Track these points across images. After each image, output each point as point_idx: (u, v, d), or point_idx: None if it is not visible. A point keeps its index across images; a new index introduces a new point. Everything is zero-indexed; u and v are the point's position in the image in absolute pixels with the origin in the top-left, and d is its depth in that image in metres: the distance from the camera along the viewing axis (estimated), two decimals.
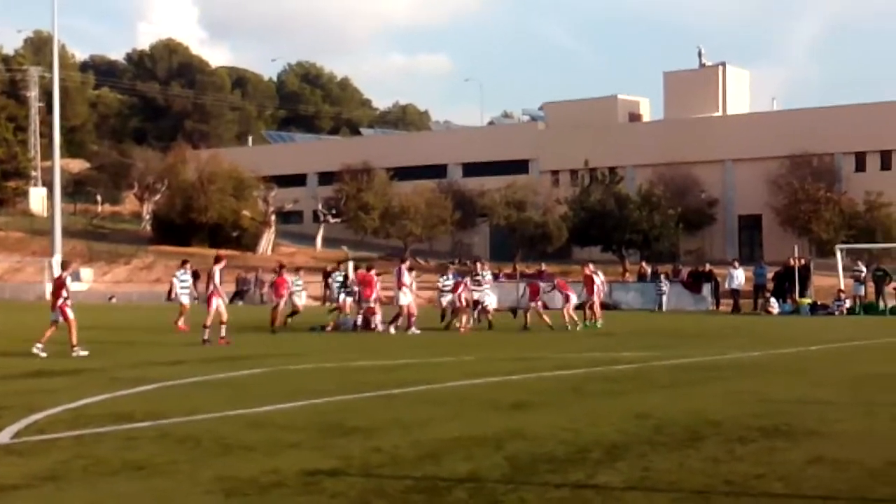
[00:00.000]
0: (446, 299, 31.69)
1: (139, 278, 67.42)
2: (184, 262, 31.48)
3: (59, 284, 21.92)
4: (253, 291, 55.36)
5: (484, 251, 67.22)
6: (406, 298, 30.02)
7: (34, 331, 30.56)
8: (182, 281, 30.86)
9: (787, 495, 8.16)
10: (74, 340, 21.11)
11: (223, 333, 24.33)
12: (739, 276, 46.22)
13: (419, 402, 13.83)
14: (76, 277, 65.07)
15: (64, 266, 22.73)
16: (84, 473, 8.94)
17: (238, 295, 54.22)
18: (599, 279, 33.98)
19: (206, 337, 24.20)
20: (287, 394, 14.36)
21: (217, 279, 25.14)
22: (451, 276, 32.05)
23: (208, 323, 24.45)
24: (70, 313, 21.35)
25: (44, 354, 20.63)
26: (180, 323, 29.61)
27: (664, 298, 46.76)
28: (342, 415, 12.27)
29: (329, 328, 30.90)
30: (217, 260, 26.02)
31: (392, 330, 29.49)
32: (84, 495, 8.16)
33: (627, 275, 55.51)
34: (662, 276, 48.00)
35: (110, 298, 56.38)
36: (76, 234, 76.07)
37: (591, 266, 34.58)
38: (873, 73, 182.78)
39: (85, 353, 20.77)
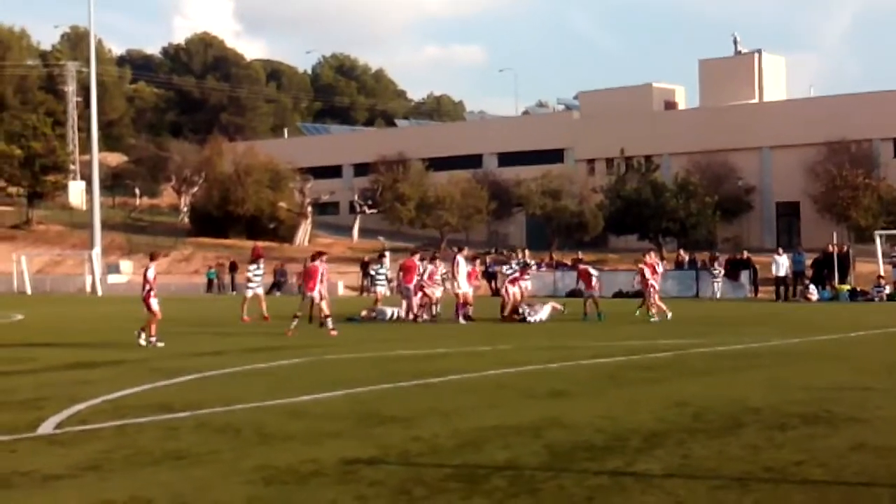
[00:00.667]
0: (514, 289, 31.05)
1: (178, 270, 67.96)
2: (257, 257, 32.24)
3: (145, 276, 22.15)
4: (293, 283, 55.63)
5: (520, 240, 67.17)
6: (464, 288, 29.97)
7: (74, 322, 30.99)
8: (256, 275, 31.64)
9: (827, 482, 8.09)
10: (153, 331, 21.37)
11: (293, 325, 24.65)
12: (785, 264, 45.58)
13: (457, 390, 13.84)
14: (115, 270, 65.86)
15: (152, 257, 22.93)
16: (126, 463, 9.02)
17: (276, 286, 54.73)
18: (661, 268, 33.90)
19: (330, 327, 24.57)
20: (325, 383, 14.41)
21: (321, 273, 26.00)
22: (513, 265, 31.80)
23: (328, 312, 24.98)
24: (154, 305, 21.50)
25: (161, 344, 21.09)
26: (246, 315, 30.39)
27: (717, 285, 46.44)
28: (380, 404, 12.31)
29: (363, 315, 31.00)
30: (317, 255, 26.70)
31: (462, 320, 29.16)
32: (126, 484, 8.21)
33: (665, 262, 55.26)
34: (716, 264, 47.54)
35: None
36: (115, 226, 76.72)
37: (654, 255, 34.02)
38: None
39: (161, 344, 21.06)
